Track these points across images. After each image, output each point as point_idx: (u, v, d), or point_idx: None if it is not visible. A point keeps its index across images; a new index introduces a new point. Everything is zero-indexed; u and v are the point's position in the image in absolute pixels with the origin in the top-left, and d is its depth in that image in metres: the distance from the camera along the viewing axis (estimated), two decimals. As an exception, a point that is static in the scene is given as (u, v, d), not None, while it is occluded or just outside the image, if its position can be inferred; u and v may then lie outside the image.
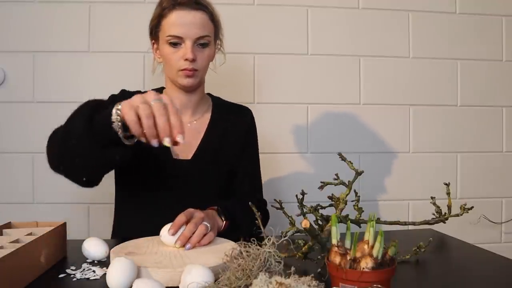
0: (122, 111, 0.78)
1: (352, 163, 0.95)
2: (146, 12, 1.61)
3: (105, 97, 1.57)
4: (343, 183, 0.93)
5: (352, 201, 0.98)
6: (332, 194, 0.94)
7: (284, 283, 0.58)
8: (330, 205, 0.96)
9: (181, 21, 1.06)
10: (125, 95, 1.19)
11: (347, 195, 0.91)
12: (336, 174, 0.94)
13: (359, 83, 1.73)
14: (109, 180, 1.21)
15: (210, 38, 1.11)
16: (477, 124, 1.79)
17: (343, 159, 0.96)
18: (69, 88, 1.61)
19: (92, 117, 0.84)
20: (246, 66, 1.67)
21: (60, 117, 1.58)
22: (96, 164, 0.87)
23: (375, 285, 0.59)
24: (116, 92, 1.22)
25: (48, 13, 1.60)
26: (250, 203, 0.95)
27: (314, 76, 1.71)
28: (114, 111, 0.80)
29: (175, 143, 0.78)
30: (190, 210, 0.94)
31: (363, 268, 0.61)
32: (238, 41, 1.62)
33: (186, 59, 1.07)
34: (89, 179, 0.92)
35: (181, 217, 0.90)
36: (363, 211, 0.97)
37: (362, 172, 0.93)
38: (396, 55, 1.74)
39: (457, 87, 1.78)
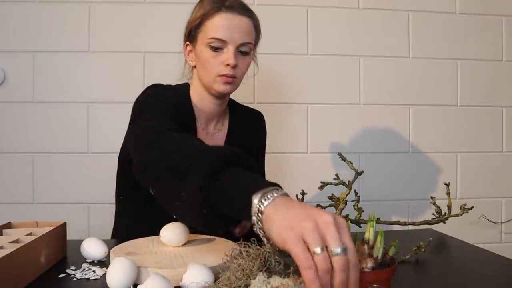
0: (288, 244, 0.53)
1: (352, 163, 0.95)
2: (146, 12, 1.63)
3: (105, 97, 1.60)
4: (343, 183, 0.93)
5: (352, 201, 0.98)
6: (332, 194, 0.94)
7: (283, 284, 0.58)
8: (330, 205, 0.96)
9: (227, 24, 1.01)
10: (175, 93, 1.09)
11: (347, 195, 0.91)
12: (336, 174, 0.94)
13: (359, 83, 1.73)
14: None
15: (252, 46, 1.06)
16: (477, 124, 1.79)
17: (343, 159, 0.97)
18: (69, 88, 1.61)
19: (211, 182, 0.63)
20: (246, 66, 1.67)
21: (60, 117, 1.60)
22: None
23: (375, 285, 0.59)
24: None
25: (48, 13, 1.60)
26: None
27: (314, 76, 1.71)
28: (256, 202, 0.57)
29: None
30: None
31: (363, 268, 0.61)
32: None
33: (228, 65, 1.01)
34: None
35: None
36: (363, 211, 0.97)
37: (362, 172, 0.93)
38: (396, 55, 1.74)
39: (457, 87, 1.78)
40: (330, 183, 0.94)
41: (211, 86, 1.06)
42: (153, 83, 1.36)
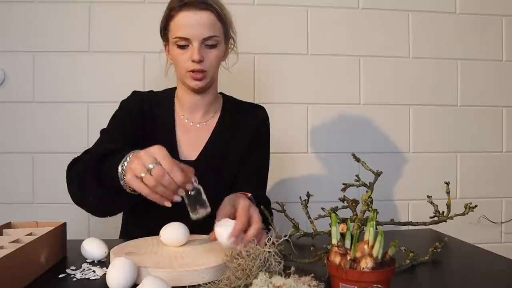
0: (127, 180, 0.78)
1: (365, 163, 0.92)
2: (146, 12, 1.63)
3: (105, 97, 1.60)
4: (364, 185, 0.90)
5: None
6: (344, 196, 0.92)
7: (284, 284, 0.58)
8: (345, 207, 0.93)
9: (187, 22, 1.05)
10: (138, 97, 1.20)
11: (369, 196, 0.87)
12: (357, 175, 0.91)
13: (359, 83, 1.73)
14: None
15: (219, 38, 1.09)
16: (477, 124, 1.79)
17: (357, 160, 0.93)
18: (69, 88, 1.61)
19: (101, 171, 0.88)
20: (246, 66, 1.67)
21: (60, 117, 1.60)
22: (114, 209, 0.98)
23: (375, 285, 0.59)
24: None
25: (48, 13, 1.60)
26: (262, 206, 0.95)
27: (314, 76, 1.71)
28: (120, 170, 0.82)
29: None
30: (246, 208, 0.86)
31: (363, 268, 0.61)
32: (238, 41, 1.62)
33: (193, 60, 1.06)
34: (110, 215, 1.00)
35: (242, 221, 0.82)
36: (377, 212, 0.95)
37: (381, 172, 0.90)
38: (396, 55, 1.74)
39: (457, 87, 1.78)
40: (352, 185, 0.91)
41: (184, 82, 1.12)
42: (152, 83, 1.37)
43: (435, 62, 1.76)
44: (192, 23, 1.05)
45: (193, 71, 1.07)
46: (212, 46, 1.08)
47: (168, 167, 0.75)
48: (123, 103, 1.19)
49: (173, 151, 1.14)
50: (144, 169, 0.75)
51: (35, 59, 1.60)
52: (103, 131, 1.14)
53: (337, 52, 1.71)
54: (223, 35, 1.11)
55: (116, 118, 1.16)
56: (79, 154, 1.05)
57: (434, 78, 1.76)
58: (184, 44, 1.07)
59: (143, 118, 1.16)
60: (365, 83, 1.73)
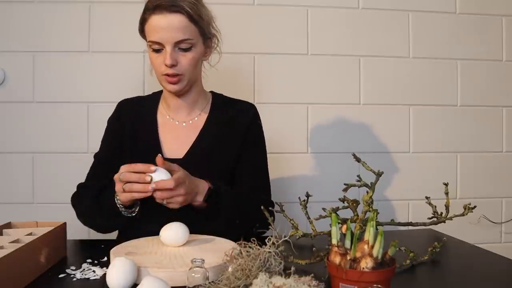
0: (119, 197, 0.97)
1: (366, 164, 0.91)
2: (146, 12, 1.62)
3: (105, 97, 1.59)
4: (366, 185, 0.89)
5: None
6: (344, 196, 0.92)
7: (285, 284, 0.58)
8: (345, 207, 0.93)
9: (158, 26, 1.03)
10: (118, 107, 1.23)
11: (370, 197, 0.86)
12: (358, 176, 0.90)
13: (359, 83, 1.73)
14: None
15: (193, 41, 1.06)
16: (477, 124, 1.79)
17: (358, 160, 0.93)
18: (69, 88, 1.61)
19: (99, 202, 1.05)
20: (246, 66, 1.67)
21: (60, 117, 1.60)
22: (114, 229, 1.15)
23: (375, 285, 0.59)
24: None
25: (48, 13, 1.60)
26: (262, 207, 0.95)
27: (314, 76, 1.71)
28: (116, 201, 1.00)
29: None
30: (183, 178, 0.95)
31: (363, 268, 0.61)
32: (238, 41, 1.62)
33: (166, 65, 1.05)
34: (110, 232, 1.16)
35: (168, 183, 0.92)
36: (378, 213, 0.94)
37: (382, 173, 0.89)
38: (396, 55, 1.74)
39: (457, 87, 1.78)
40: (354, 185, 0.91)
41: (162, 84, 1.12)
42: (152, 83, 1.35)
43: (435, 62, 1.76)
44: (163, 26, 1.03)
45: (167, 75, 1.07)
46: (187, 49, 1.06)
47: (127, 167, 0.93)
48: (108, 121, 1.23)
49: (156, 150, 1.14)
50: (119, 183, 0.94)
51: (35, 59, 1.60)
52: (95, 155, 1.20)
53: (337, 52, 1.71)
54: (199, 36, 1.09)
55: (102, 140, 1.21)
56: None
57: (434, 78, 1.76)
58: (157, 48, 1.06)
59: (122, 126, 1.18)
60: (365, 83, 1.73)
